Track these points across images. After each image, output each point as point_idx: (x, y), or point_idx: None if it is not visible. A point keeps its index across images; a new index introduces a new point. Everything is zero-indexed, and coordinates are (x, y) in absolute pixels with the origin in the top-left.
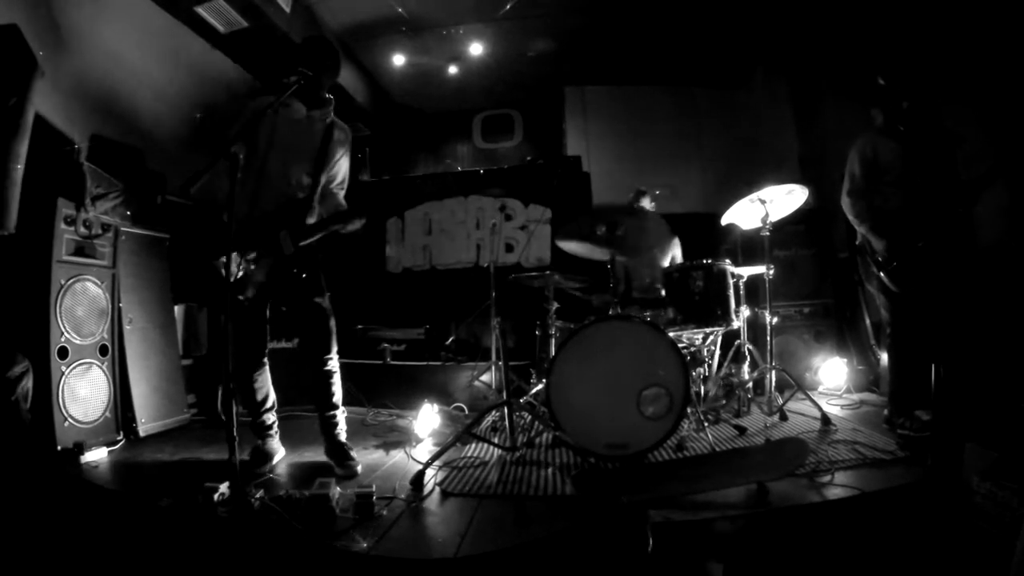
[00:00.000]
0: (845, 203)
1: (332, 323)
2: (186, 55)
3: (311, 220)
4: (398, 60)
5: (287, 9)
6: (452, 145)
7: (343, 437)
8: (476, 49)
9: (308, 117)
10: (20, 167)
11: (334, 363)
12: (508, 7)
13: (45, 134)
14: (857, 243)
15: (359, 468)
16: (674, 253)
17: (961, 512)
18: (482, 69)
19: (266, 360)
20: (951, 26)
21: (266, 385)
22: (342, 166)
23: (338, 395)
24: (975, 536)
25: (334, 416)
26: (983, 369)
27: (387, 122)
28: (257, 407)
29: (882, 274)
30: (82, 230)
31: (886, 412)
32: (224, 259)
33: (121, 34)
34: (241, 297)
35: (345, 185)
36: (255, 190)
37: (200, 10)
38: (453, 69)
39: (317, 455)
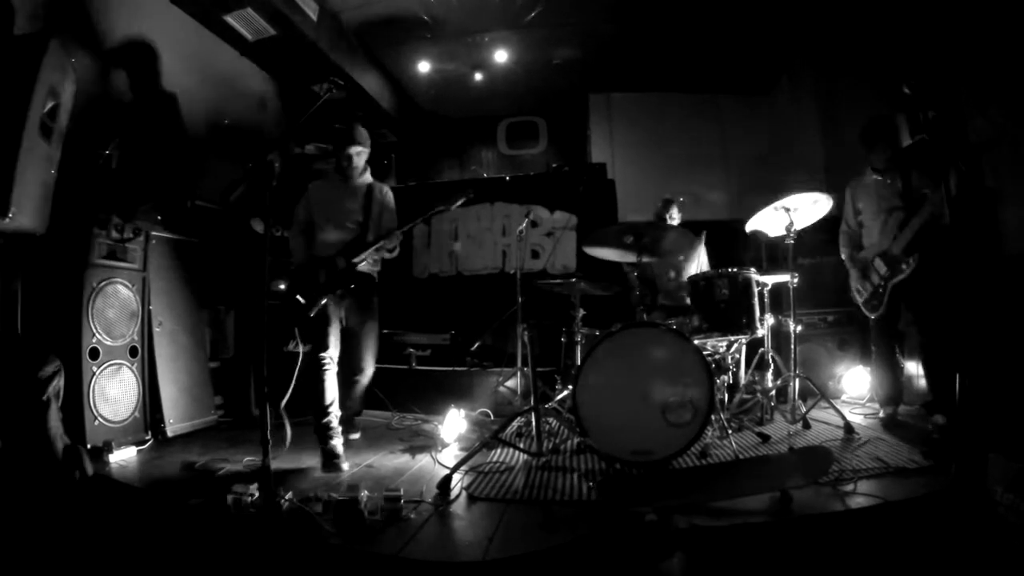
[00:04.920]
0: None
1: (374, 344)
2: (215, 62)
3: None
4: (423, 67)
5: (314, 17)
6: (477, 151)
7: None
8: (501, 56)
9: (352, 186)
10: (54, 172)
11: (366, 378)
12: (533, 14)
13: (78, 139)
14: None
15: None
16: (700, 260)
17: (984, 523)
18: (507, 76)
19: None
20: (979, 34)
21: (333, 389)
22: (385, 207)
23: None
24: (998, 547)
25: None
26: (1008, 379)
27: (413, 128)
28: (323, 409)
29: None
30: (114, 234)
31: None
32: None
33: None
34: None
35: (394, 216)
36: (321, 240)
37: (229, 19)
38: (478, 76)
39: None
